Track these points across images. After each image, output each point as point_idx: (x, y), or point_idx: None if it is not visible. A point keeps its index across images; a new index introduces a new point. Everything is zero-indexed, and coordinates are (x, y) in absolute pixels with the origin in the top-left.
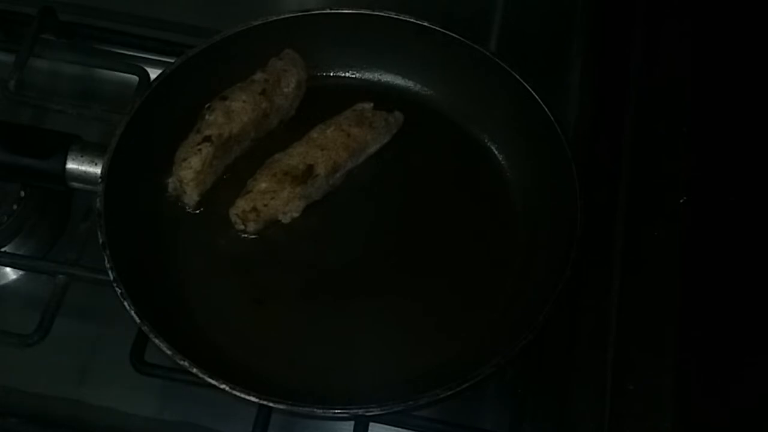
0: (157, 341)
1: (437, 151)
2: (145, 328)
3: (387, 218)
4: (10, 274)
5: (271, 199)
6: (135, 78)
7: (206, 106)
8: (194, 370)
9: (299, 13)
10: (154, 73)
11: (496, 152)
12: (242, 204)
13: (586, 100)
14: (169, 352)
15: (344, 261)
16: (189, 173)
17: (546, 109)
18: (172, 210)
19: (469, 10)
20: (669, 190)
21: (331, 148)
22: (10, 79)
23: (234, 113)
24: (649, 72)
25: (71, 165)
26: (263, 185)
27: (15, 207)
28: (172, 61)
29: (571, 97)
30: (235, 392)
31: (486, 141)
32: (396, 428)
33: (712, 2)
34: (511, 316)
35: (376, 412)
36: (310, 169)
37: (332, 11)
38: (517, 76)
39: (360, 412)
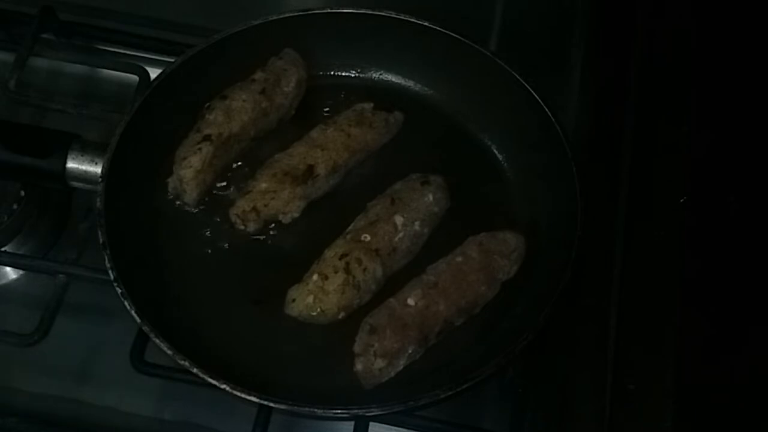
0: (157, 341)
1: (437, 151)
2: (145, 328)
3: None
4: (11, 273)
5: (271, 199)
6: (135, 78)
7: (206, 105)
8: (195, 370)
9: (299, 13)
10: (154, 73)
11: (496, 152)
12: (242, 204)
13: (586, 100)
14: (169, 352)
15: None
16: (189, 172)
17: (546, 109)
18: (172, 209)
19: (469, 9)
20: (669, 190)
21: (331, 148)
22: (10, 78)
23: (234, 112)
24: (649, 72)
25: (71, 164)
26: (263, 185)
27: (15, 206)
28: (173, 60)
29: (571, 97)
30: (235, 392)
31: (486, 141)
32: (396, 428)
33: (713, 3)
34: (511, 316)
35: (376, 412)
36: (310, 169)
37: (332, 11)
38: (517, 76)
39: (360, 412)
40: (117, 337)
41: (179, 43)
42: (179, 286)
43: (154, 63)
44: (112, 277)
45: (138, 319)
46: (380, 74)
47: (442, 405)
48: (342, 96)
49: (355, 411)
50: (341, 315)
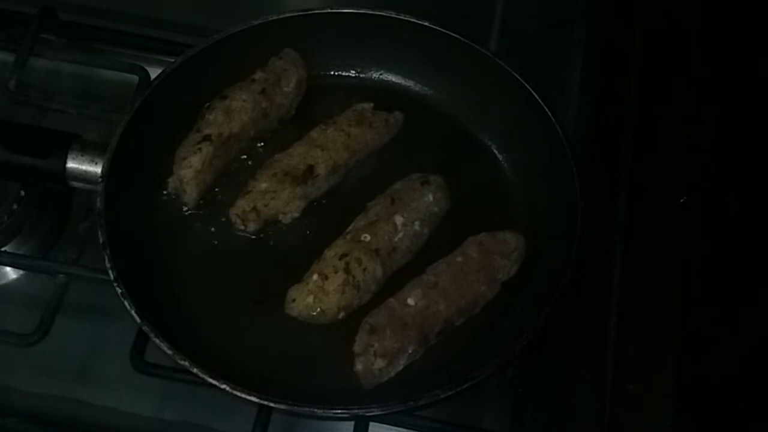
0: (157, 341)
1: (437, 151)
2: (145, 328)
3: None
4: (11, 273)
5: (271, 199)
6: (135, 78)
7: (206, 105)
8: (195, 370)
9: (299, 13)
10: (154, 73)
11: (496, 152)
12: (242, 204)
13: (586, 100)
14: (169, 352)
15: None
16: (189, 172)
17: (546, 109)
18: (172, 209)
19: (469, 9)
20: (669, 190)
21: (331, 148)
22: (10, 78)
23: (234, 112)
24: (649, 72)
25: (71, 164)
26: (263, 185)
27: (15, 206)
28: (172, 60)
29: (571, 97)
30: (236, 392)
31: (486, 141)
32: (396, 428)
33: (713, 2)
34: (511, 316)
35: (376, 412)
36: (310, 169)
37: (332, 11)
38: (517, 76)
39: (360, 412)
40: (117, 337)
41: (179, 43)
42: (179, 286)
43: (154, 63)
44: (112, 277)
45: (138, 319)
46: (380, 74)
47: (442, 405)
48: (342, 96)
49: (355, 411)
50: (341, 315)
